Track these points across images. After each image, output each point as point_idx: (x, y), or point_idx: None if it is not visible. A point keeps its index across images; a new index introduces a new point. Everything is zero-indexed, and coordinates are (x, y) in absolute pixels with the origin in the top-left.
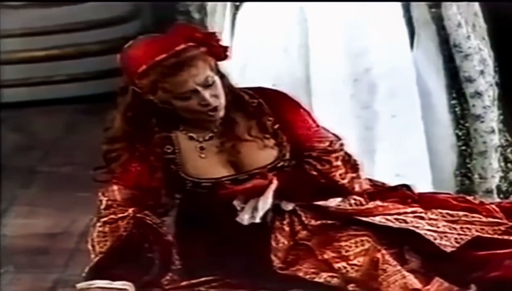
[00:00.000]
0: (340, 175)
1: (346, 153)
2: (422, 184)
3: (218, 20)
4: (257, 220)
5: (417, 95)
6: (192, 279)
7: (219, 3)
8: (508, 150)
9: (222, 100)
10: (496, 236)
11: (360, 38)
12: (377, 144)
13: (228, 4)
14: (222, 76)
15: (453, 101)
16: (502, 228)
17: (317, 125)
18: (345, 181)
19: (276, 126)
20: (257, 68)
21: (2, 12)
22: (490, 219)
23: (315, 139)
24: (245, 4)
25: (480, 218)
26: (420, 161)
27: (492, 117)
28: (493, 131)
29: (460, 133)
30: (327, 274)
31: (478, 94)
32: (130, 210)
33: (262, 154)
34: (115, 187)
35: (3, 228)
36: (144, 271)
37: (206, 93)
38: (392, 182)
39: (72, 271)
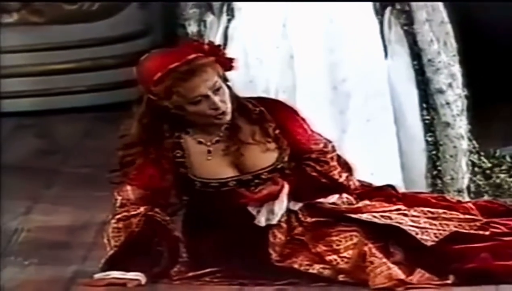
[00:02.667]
0: (338, 173)
1: (338, 154)
2: (393, 182)
3: (213, 33)
4: (274, 222)
5: (389, 103)
6: (197, 271)
7: (213, 17)
8: (475, 156)
9: (229, 106)
10: (472, 231)
11: (339, 50)
12: (352, 145)
13: (223, 18)
14: (228, 85)
15: (423, 111)
16: (477, 224)
17: (311, 130)
18: (342, 179)
19: (277, 131)
20: (248, 77)
21: (27, 29)
22: (467, 216)
23: (311, 142)
24: (236, 19)
25: (457, 215)
26: (392, 161)
27: (461, 125)
28: (462, 137)
29: (429, 140)
30: (319, 266)
31: (447, 104)
32: (142, 208)
33: (263, 156)
34: (128, 187)
35: (28, 224)
36: (154, 263)
37: (216, 98)
38: (367, 179)
39: (90, 263)
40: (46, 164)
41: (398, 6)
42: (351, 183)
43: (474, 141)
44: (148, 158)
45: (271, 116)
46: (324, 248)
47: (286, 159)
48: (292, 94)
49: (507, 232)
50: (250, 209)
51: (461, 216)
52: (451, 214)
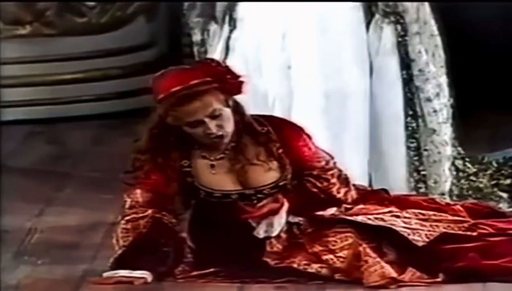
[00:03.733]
0: (337, 190)
1: (338, 169)
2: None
3: (215, 42)
4: (273, 235)
5: (367, 111)
6: (201, 270)
7: (216, 26)
8: (460, 162)
9: (228, 130)
10: (461, 232)
11: (332, 62)
12: (345, 150)
13: (225, 28)
14: (236, 107)
15: (408, 119)
16: (466, 225)
17: (316, 147)
18: (340, 195)
19: (280, 151)
20: (250, 85)
21: (40, 40)
22: (456, 218)
23: (315, 159)
24: (238, 30)
25: (447, 216)
26: (360, 171)
27: (446, 132)
28: (446, 143)
29: (411, 145)
30: (317, 265)
31: (434, 112)
32: (150, 211)
33: (266, 175)
34: (138, 190)
35: (41, 225)
36: (160, 263)
37: (212, 124)
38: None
39: (99, 262)
40: (57, 168)
41: (393, 18)
42: (348, 196)
43: (459, 148)
44: (155, 165)
45: (277, 134)
46: (321, 248)
47: (288, 176)
48: (288, 102)
49: (494, 233)
50: (250, 221)
51: (450, 217)
52: (440, 215)
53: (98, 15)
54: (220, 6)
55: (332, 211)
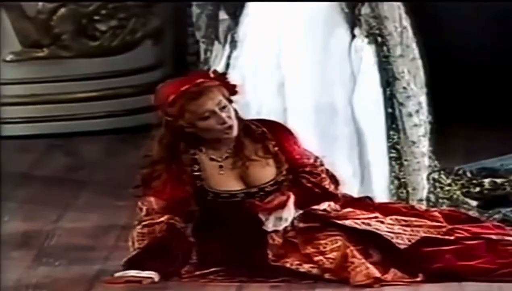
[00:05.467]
0: (328, 184)
1: (326, 167)
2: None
3: (217, 60)
4: (281, 228)
5: (353, 126)
6: (204, 270)
7: (218, 46)
8: (436, 173)
9: (235, 122)
10: (439, 236)
11: (321, 80)
12: (335, 158)
13: (226, 48)
14: (234, 107)
15: (391, 132)
16: (443, 230)
17: (303, 147)
18: (331, 189)
19: (276, 148)
20: (244, 100)
21: (57, 62)
22: (434, 223)
23: (304, 157)
24: (237, 50)
25: (426, 222)
26: (350, 179)
27: (424, 145)
28: (424, 154)
29: (393, 156)
30: (308, 265)
31: (414, 126)
32: (165, 217)
33: (265, 170)
34: (152, 199)
35: (59, 229)
36: (170, 264)
37: (223, 114)
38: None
39: (112, 263)
40: (74, 177)
41: (379, 40)
42: (338, 191)
43: (436, 162)
44: (170, 172)
45: (271, 134)
46: (313, 250)
47: (284, 172)
48: (281, 117)
49: (469, 237)
50: (261, 215)
51: (430, 223)
52: (421, 221)
53: (109, 39)
54: (222, 28)
55: (324, 206)
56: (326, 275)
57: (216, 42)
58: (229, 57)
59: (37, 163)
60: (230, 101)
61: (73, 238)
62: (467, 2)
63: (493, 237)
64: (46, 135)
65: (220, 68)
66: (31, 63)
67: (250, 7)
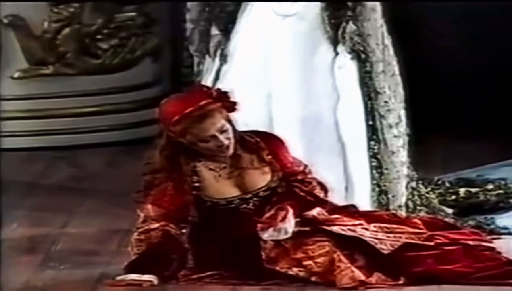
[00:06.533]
0: (318, 191)
1: (314, 175)
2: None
3: (208, 73)
4: (280, 238)
5: (336, 137)
6: (200, 274)
7: (209, 60)
8: (414, 182)
9: (232, 141)
10: (420, 242)
11: (306, 93)
12: (319, 166)
13: (216, 62)
14: (232, 123)
15: (371, 142)
16: (424, 236)
17: (293, 156)
18: (322, 195)
19: (270, 157)
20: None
21: (61, 79)
22: (415, 230)
23: (295, 165)
24: (227, 63)
25: (408, 229)
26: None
27: (403, 155)
28: (403, 164)
29: (374, 165)
30: (297, 269)
31: (395, 137)
32: (160, 224)
33: (260, 178)
34: (149, 206)
35: (64, 235)
36: (166, 268)
37: (222, 137)
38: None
39: (114, 267)
40: (77, 187)
41: (362, 56)
42: (327, 198)
43: (413, 172)
44: (172, 181)
45: (265, 143)
46: (302, 254)
47: (277, 179)
48: (268, 128)
49: (448, 242)
50: (258, 227)
51: (411, 229)
52: (402, 228)
53: (111, 57)
54: (213, 43)
55: (315, 212)
56: (314, 278)
57: (207, 56)
58: (218, 70)
59: (43, 173)
60: (230, 121)
61: (78, 243)
62: (445, 18)
63: (470, 242)
64: (52, 148)
65: (210, 80)
66: (37, 80)
67: (240, 24)
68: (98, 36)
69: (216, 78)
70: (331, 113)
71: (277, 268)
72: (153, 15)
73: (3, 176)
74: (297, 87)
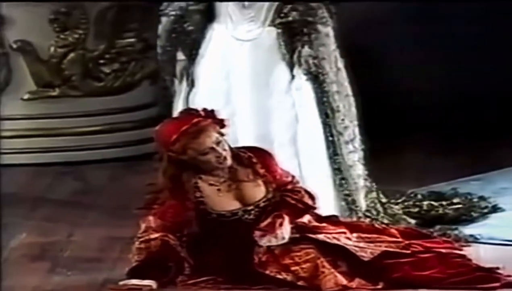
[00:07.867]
0: (307, 199)
1: (301, 185)
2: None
3: (178, 96)
4: (276, 244)
5: (295, 153)
6: (196, 279)
7: (179, 85)
8: (374, 193)
9: (229, 153)
10: (398, 250)
11: (266, 111)
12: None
13: (184, 86)
14: (224, 139)
15: (335, 157)
16: (401, 245)
17: (281, 168)
18: (311, 202)
19: (263, 170)
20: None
21: (67, 100)
22: (393, 239)
23: (284, 176)
24: (195, 87)
25: (386, 238)
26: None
27: (360, 167)
28: (360, 176)
29: (336, 178)
30: (286, 274)
31: (351, 152)
32: (159, 234)
33: (257, 190)
34: (151, 218)
35: (70, 244)
36: (164, 274)
37: (219, 148)
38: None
39: (117, 272)
40: (82, 200)
41: (320, 77)
42: (316, 205)
43: (373, 184)
44: (175, 199)
45: (256, 158)
46: (290, 260)
47: (272, 190)
48: (233, 144)
49: (423, 250)
50: (256, 232)
51: (389, 238)
52: (382, 237)
53: (112, 80)
54: (179, 67)
55: (305, 219)
56: (300, 282)
57: (175, 80)
58: (188, 93)
59: (50, 187)
60: (222, 135)
61: (83, 251)
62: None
63: (443, 250)
64: (58, 164)
65: (180, 103)
66: (44, 101)
67: (203, 49)
68: (101, 61)
69: (186, 101)
70: (290, 131)
71: (267, 272)
72: (151, 41)
73: (13, 189)
74: (256, 108)
